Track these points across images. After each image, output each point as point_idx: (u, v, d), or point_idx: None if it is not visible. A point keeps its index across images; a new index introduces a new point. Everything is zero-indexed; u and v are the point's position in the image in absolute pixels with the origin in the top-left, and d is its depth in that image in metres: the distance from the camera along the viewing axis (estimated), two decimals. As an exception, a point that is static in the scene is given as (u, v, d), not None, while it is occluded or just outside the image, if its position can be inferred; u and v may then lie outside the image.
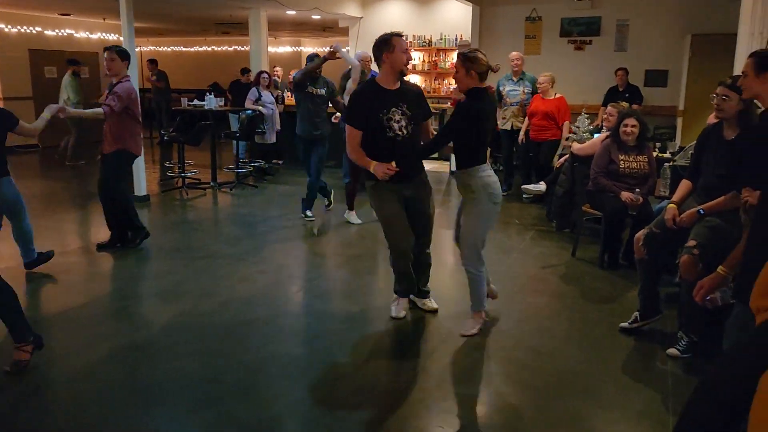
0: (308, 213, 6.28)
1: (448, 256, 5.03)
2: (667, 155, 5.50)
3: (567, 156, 5.77)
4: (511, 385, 3.05)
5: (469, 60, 3.34)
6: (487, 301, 3.75)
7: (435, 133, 3.73)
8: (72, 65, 9.71)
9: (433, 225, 3.81)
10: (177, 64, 17.41)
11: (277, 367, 3.18)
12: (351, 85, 5.94)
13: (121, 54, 5.01)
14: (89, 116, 4.69)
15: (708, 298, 2.02)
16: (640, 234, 3.43)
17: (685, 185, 3.43)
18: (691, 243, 3.07)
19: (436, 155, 10.24)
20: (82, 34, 12.56)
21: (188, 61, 18.24)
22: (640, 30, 8.47)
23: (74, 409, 2.81)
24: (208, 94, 8.23)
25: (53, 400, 2.88)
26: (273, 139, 8.58)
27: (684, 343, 3.26)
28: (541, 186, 6.15)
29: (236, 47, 17.19)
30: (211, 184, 7.95)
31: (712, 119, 3.73)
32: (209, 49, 18.10)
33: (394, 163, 3.33)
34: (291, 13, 9.98)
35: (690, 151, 4.26)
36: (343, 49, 5.88)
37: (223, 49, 17.84)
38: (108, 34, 12.97)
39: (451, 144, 3.49)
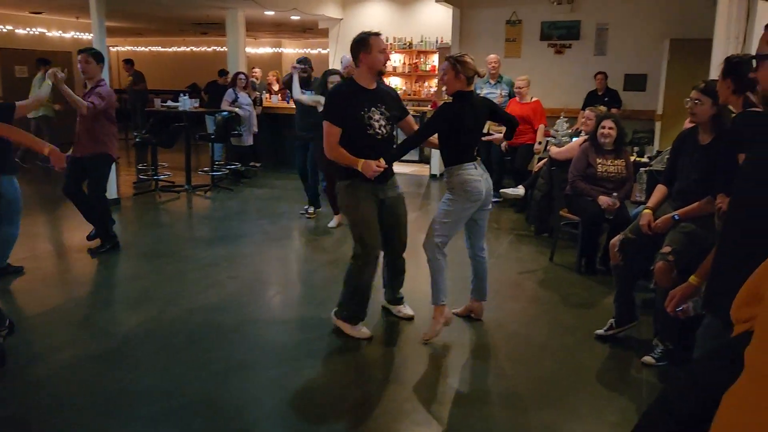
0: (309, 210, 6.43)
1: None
2: (645, 159, 5.48)
3: (545, 160, 5.73)
4: (484, 395, 2.97)
5: (459, 63, 3.36)
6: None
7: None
8: (43, 65, 9.51)
9: (408, 229, 3.71)
10: (155, 64, 17.15)
11: (242, 378, 3.06)
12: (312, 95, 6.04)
13: (96, 57, 4.96)
14: (73, 101, 4.58)
15: (680, 308, 1.96)
16: (616, 240, 3.38)
17: (660, 190, 3.39)
18: (666, 249, 3.02)
19: (417, 158, 10.21)
20: (54, 33, 12.29)
21: (166, 61, 17.97)
22: (619, 34, 8.49)
23: (27, 422, 2.67)
24: (182, 95, 8.07)
25: (3, 416, 2.72)
26: (250, 141, 8.44)
27: (659, 350, 3.22)
28: (520, 190, 6.09)
29: (215, 48, 16.97)
30: (186, 187, 7.78)
31: (688, 124, 3.70)
32: (188, 49, 17.85)
33: (382, 160, 3.28)
34: (269, 13, 9.85)
35: (666, 156, 4.23)
36: (299, 66, 6.15)
37: (202, 49, 17.61)
38: (82, 34, 12.71)
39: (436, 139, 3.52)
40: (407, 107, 3.99)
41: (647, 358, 3.22)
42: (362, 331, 3.54)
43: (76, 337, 3.54)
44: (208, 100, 10.09)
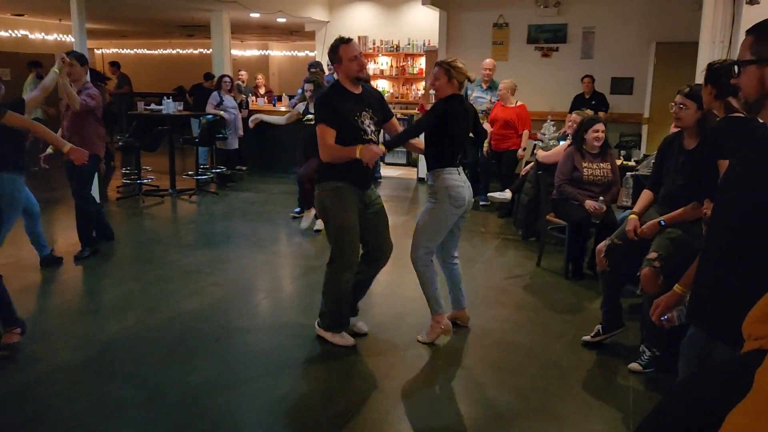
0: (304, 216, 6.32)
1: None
2: (632, 163, 5.47)
3: (532, 164, 5.70)
4: (469, 404, 2.92)
5: (452, 68, 3.36)
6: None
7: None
8: (34, 68, 9.51)
9: (393, 233, 3.65)
10: (141, 67, 16.99)
11: (223, 388, 2.98)
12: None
13: (80, 59, 5.01)
14: (69, 94, 4.59)
15: (665, 317, 1.92)
16: (602, 245, 3.34)
17: (646, 195, 3.35)
18: (653, 255, 2.99)
19: (404, 161, 10.16)
20: (37, 36, 12.13)
21: (152, 64, 17.83)
22: (605, 38, 8.49)
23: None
24: (165, 98, 7.96)
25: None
26: (235, 144, 8.35)
27: (646, 357, 3.18)
28: (507, 194, 6.07)
29: (201, 50, 16.87)
30: (170, 191, 7.67)
31: (674, 128, 3.68)
32: (174, 51, 17.72)
33: (381, 145, 3.24)
34: (255, 15, 9.77)
35: (652, 161, 4.21)
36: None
37: (188, 51, 17.49)
38: (65, 36, 12.55)
39: (421, 144, 3.50)
40: (394, 110, 3.95)
41: (634, 365, 3.19)
42: (345, 338, 3.47)
43: (54, 347, 3.44)
44: (194, 103, 9.98)
